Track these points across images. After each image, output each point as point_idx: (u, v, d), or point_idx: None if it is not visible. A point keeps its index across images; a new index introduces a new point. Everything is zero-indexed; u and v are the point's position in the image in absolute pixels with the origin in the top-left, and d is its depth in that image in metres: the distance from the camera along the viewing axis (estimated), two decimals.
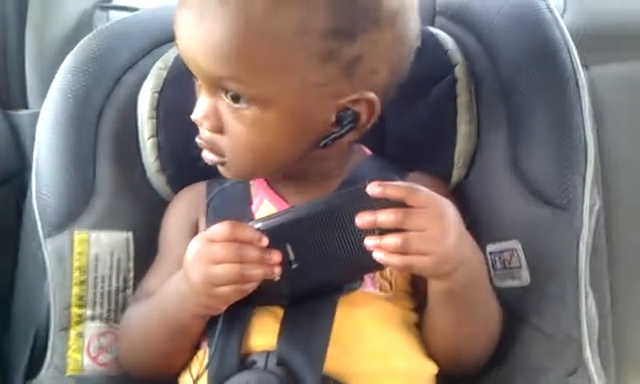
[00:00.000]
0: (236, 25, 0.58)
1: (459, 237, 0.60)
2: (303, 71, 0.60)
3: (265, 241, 0.59)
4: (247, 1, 0.58)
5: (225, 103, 0.62)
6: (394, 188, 0.58)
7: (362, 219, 0.58)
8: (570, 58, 0.71)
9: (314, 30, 0.59)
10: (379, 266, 0.60)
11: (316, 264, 0.61)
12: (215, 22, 0.58)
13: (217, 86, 0.62)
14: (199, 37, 0.60)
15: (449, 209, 0.60)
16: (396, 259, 0.58)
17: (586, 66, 0.72)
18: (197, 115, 0.64)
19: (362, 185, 0.59)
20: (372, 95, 0.64)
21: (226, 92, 0.62)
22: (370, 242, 0.58)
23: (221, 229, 0.60)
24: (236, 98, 0.61)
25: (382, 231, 0.58)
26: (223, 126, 0.63)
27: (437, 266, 0.59)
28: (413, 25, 0.66)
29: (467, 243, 0.62)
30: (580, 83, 0.71)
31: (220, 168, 0.67)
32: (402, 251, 0.57)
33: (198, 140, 0.66)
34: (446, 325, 0.65)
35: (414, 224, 0.57)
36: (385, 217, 0.57)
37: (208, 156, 0.66)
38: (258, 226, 0.60)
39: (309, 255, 0.60)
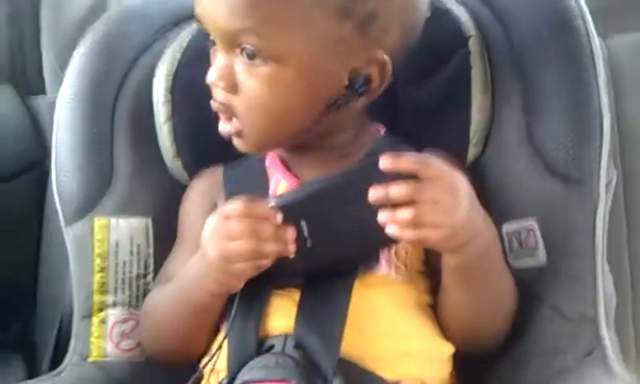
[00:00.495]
0: None
1: (471, 209, 0.60)
2: (319, 26, 0.61)
3: (279, 217, 0.60)
4: None
5: (240, 61, 0.63)
6: (405, 161, 0.58)
7: (374, 193, 0.58)
8: (585, 26, 0.70)
9: None
10: (394, 241, 0.61)
11: (330, 240, 0.61)
12: None
13: (233, 43, 0.63)
14: None
15: (461, 181, 0.60)
16: (409, 233, 0.58)
17: (604, 36, 0.70)
18: (211, 76, 0.65)
19: (374, 159, 0.59)
20: (384, 56, 0.64)
21: (242, 49, 0.62)
22: (382, 216, 0.58)
23: (236, 206, 0.61)
24: (251, 55, 0.62)
25: (395, 205, 0.58)
26: (238, 86, 0.64)
27: (450, 238, 0.59)
28: None
29: (479, 216, 0.62)
30: (595, 53, 0.69)
31: (235, 140, 0.68)
32: (414, 224, 0.57)
33: (212, 103, 0.67)
34: (460, 301, 0.65)
35: (426, 196, 0.57)
36: (396, 190, 0.57)
37: (224, 127, 0.67)
38: (273, 202, 0.61)
39: (323, 231, 0.61)
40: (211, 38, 0.66)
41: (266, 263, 0.61)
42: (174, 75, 0.80)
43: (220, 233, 0.61)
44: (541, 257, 0.69)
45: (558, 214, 0.69)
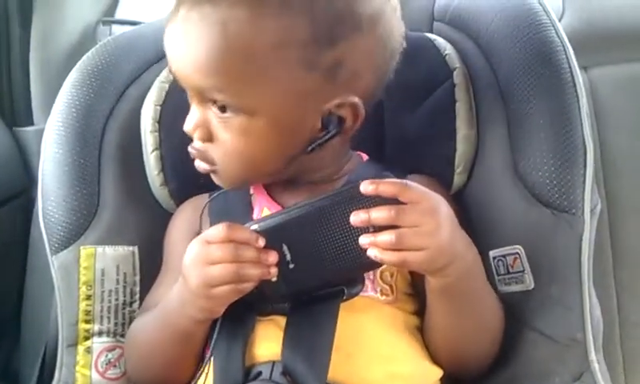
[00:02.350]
0: (215, 40, 0.61)
1: (452, 231, 0.60)
2: (285, 80, 0.62)
3: (261, 241, 0.60)
4: (226, 16, 0.60)
5: (213, 113, 0.65)
6: (386, 185, 0.59)
7: (356, 217, 0.59)
8: (568, 60, 0.71)
9: (293, 41, 0.61)
10: (376, 264, 0.61)
11: (313, 264, 0.61)
12: (197, 38, 0.62)
13: (204, 98, 0.64)
14: (184, 51, 0.63)
15: (441, 204, 0.61)
16: (390, 256, 0.58)
17: (585, 69, 0.72)
18: (187, 126, 0.67)
19: (356, 183, 0.59)
20: (355, 99, 0.65)
21: (214, 102, 0.64)
22: (364, 239, 0.59)
23: (217, 230, 0.61)
24: (223, 108, 0.64)
25: (377, 229, 0.59)
26: (213, 136, 0.65)
27: (431, 260, 0.59)
28: (395, 28, 0.67)
29: (460, 238, 0.63)
30: (578, 85, 0.71)
31: (213, 176, 0.69)
32: (396, 247, 0.58)
33: (190, 149, 0.68)
34: (445, 323, 0.65)
35: (407, 220, 0.58)
36: (378, 214, 0.58)
37: (200, 165, 0.68)
38: (254, 227, 0.61)
39: (305, 255, 0.61)
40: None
41: (248, 287, 0.61)
42: (162, 105, 0.81)
43: (201, 258, 0.61)
44: (528, 282, 0.70)
45: (544, 240, 0.70)
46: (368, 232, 0.59)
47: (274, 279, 0.61)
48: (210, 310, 0.63)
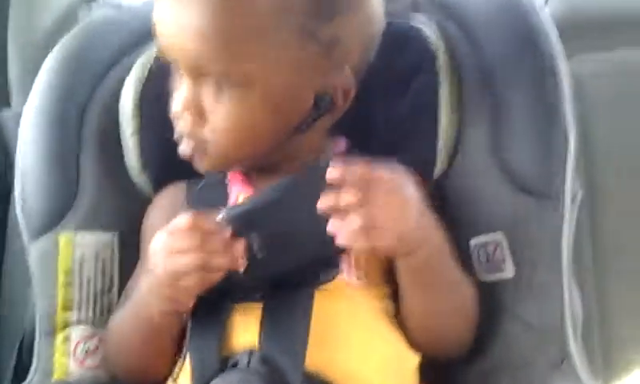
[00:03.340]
0: (215, 5, 0.60)
1: (420, 213, 0.61)
2: (284, 49, 0.62)
3: (227, 231, 0.60)
4: None
5: (207, 90, 0.63)
6: (352, 169, 0.58)
7: (323, 201, 0.58)
8: (551, 46, 0.71)
9: (294, 7, 0.61)
10: (344, 250, 0.60)
11: (282, 250, 0.61)
12: (195, 6, 0.60)
13: (199, 72, 0.63)
14: (180, 22, 0.62)
15: (409, 185, 0.60)
16: (358, 241, 0.58)
17: (569, 55, 0.72)
18: (177, 107, 0.65)
19: (319, 164, 0.59)
20: (348, 76, 0.66)
21: (208, 78, 0.63)
22: (332, 225, 0.58)
23: (182, 220, 0.61)
24: (218, 82, 0.62)
25: (343, 214, 0.58)
26: (204, 114, 0.64)
27: (400, 242, 0.59)
28: (378, 6, 0.68)
29: (428, 220, 0.63)
30: (561, 71, 0.71)
31: (197, 160, 0.67)
32: (364, 230, 0.57)
33: (176, 132, 0.66)
34: (417, 306, 0.65)
35: (375, 201, 0.58)
36: (345, 198, 0.58)
37: (185, 149, 0.67)
38: (221, 215, 0.61)
39: (274, 242, 0.60)
40: (174, 66, 0.65)
41: (216, 277, 0.60)
42: (141, 90, 0.79)
43: (167, 248, 0.61)
44: (508, 269, 0.70)
45: (525, 227, 0.70)
46: (335, 217, 0.58)
47: (242, 268, 0.60)
48: (177, 300, 0.62)
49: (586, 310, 0.70)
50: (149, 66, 0.80)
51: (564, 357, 0.67)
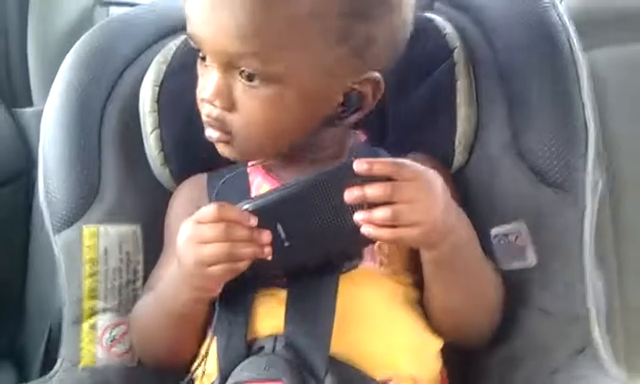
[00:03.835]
0: (254, 3, 0.60)
1: (446, 206, 0.61)
2: (318, 50, 0.62)
3: (253, 220, 0.60)
4: None
5: (238, 81, 0.63)
6: (379, 164, 0.59)
7: (350, 194, 0.59)
8: (569, 40, 0.71)
9: (332, 10, 0.61)
10: (371, 240, 0.61)
11: (308, 241, 0.61)
12: (235, 2, 0.60)
13: (231, 65, 0.63)
14: (216, 17, 0.61)
15: (436, 179, 0.61)
16: (385, 232, 0.59)
17: (586, 49, 0.73)
18: (206, 93, 0.64)
19: (350, 160, 0.59)
20: (378, 75, 0.66)
21: (241, 71, 0.62)
22: (358, 216, 0.59)
23: (208, 210, 0.61)
24: (251, 77, 0.62)
25: (370, 206, 0.59)
26: (234, 104, 0.64)
27: (426, 236, 0.60)
28: (410, 10, 0.68)
29: (454, 212, 0.63)
30: (578, 64, 0.71)
31: (222, 147, 0.67)
32: (391, 224, 0.58)
33: (204, 118, 0.66)
34: (441, 295, 0.66)
35: (402, 196, 0.58)
36: (373, 190, 0.58)
37: (212, 133, 0.67)
38: (246, 206, 0.61)
39: (300, 233, 0.61)
40: (201, 53, 0.66)
41: (243, 266, 0.61)
42: (160, 85, 0.80)
43: (194, 238, 0.61)
44: (530, 259, 0.70)
45: (547, 218, 0.70)
46: (362, 209, 0.59)
47: (269, 258, 0.61)
48: (204, 288, 0.63)
49: (608, 299, 0.70)
50: (166, 62, 0.81)
51: (587, 344, 0.67)
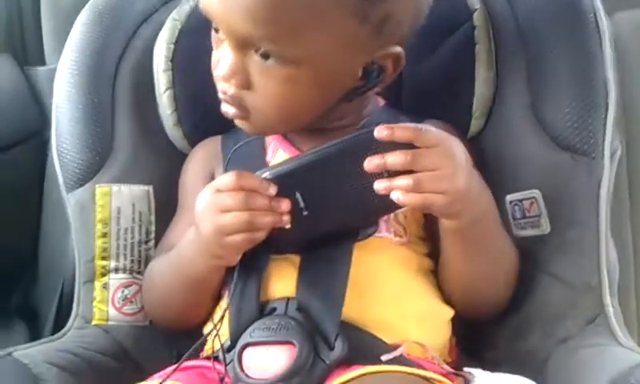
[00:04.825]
0: None
1: (469, 175, 0.60)
2: (338, 32, 0.60)
3: (272, 189, 0.60)
4: None
5: (254, 60, 0.61)
6: (401, 129, 0.58)
7: (371, 162, 0.58)
8: (593, 5, 0.70)
9: None
10: (390, 209, 0.61)
11: (327, 210, 0.61)
12: None
13: (247, 45, 0.61)
14: None
15: (458, 147, 0.60)
16: (413, 198, 0.58)
17: (609, 12, 0.71)
18: (222, 71, 0.63)
19: (370, 128, 0.58)
20: (399, 49, 0.64)
21: (257, 49, 0.61)
22: (379, 184, 0.58)
23: (228, 178, 0.61)
24: (266, 56, 0.61)
25: (391, 174, 0.58)
26: (251, 83, 0.62)
27: (450, 204, 0.59)
28: None
29: (476, 180, 0.62)
30: (601, 27, 0.69)
31: (240, 122, 0.67)
32: (414, 191, 0.57)
33: (220, 95, 0.65)
34: (458, 265, 0.65)
35: (424, 164, 0.57)
36: (394, 158, 0.57)
37: (228, 109, 0.65)
38: (266, 174, 0.60)
39: (319, 202, 0.60)
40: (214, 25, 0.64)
41: (262, 235, 0.61)
42: (175, 43, 0.79)
43: (213, 206, 0.61)
44: (544, 226, 0.70)
45: (563, 184, 0.69)
46: (382, 177, 0.58)
47: (288, 226, 0.60)
48: (222, 257, 0.63)
49: (623, 267, 0.69)
50: (180, 20, 0.80)
51: (599, 312, 0.67)
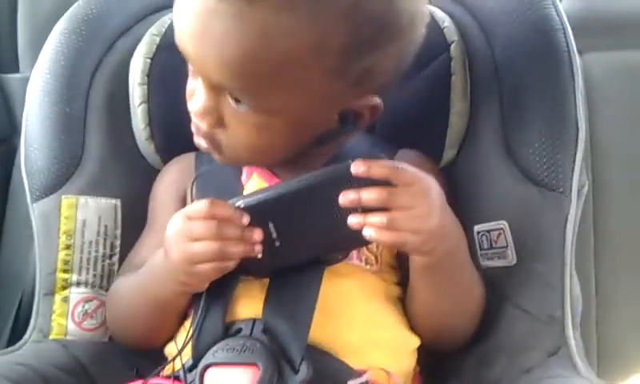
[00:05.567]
0: (250, 43, 0.55)
1: (442, 214, 0.60)
2: (312, 87, 0.59)
3: (245, 219, 0.59)
4: (266, 19, 0.54)
5: (227, 102, 0.60)
6: (378, 167, 0.57)
7: (346, 197, 0.57)
8: (566, 39, 0.71)
9: (330, 49, 0.57)
10: (362, 244, 0.60)
11: (299, 241, 0.60)
12: (227, 34, 0.55)
13: (220, 89, 0.60)
14: (207, 41, 0.56)
15: (433, 186, 0.60)
16: (386, 236, 0.58)
17: (580, 52, 0.72)
18: (194, 108, 0.62)
19: (347, 163, 0.58)
20: (377, 100, 0.64)
21: (230, 93, 0.60)
22: (353, 219, 0.58)
23: (200, 206, 0.60)
24: (238, 101, 0.60)
25: (366, 209, 0.58)
26: (224, 122, 0.62)
27: (422, 243, 0.59)
28: (423, 24, 0.64)
29: (449, 218, 0.63)
30: (575, 65, 0.71)
31: (213, 153, 0.66)
32: (386, 229, 0.57)
33: (193, 128, 0.65)
34: (426, 298, 0.65)
35: (399, 203, 0.57)
36: (369, 195, 0.57)
37: (201, 143, 0.65)
38: (239, 203, 0.60)
39: (292, 233, 0.60)
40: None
41: (232, 264, 0.60)
42: (152, 58, 0.79)
43: (183, 234, 0.60)
44: (510, 257, 0.70)
45: (531, 217, 0.70)
46: (357, 212, 0.58)
47: (259, 256, 0.60)
48: (191, 284, 0.62)
49: (585, 304, 0.70)
50: (160, 35, 0.80)
51: (561, 344, 0.67)
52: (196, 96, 0.62)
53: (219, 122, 0.62)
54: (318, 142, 0.65)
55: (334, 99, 0.61)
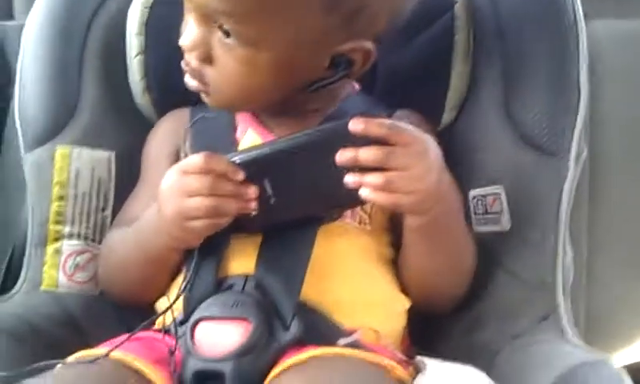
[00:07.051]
0: None
1: (440, 174, 0.60)
2: (302, 19, 0.58)
3: (240, 175, 0.58)
4: None
5: (216, 36, 0.60)
6: (376, 125, 0.57)
7: (343, 156, 0.57)
8: (573, 4, 0.70)
9: None
10: (357, 203, 0.60)
11: (294, 199, 0.60)
12: None
13: (209, 19, 0.60)
14: None
15: (431, 146, 0.60)
16: (382, 196, 0.57)
17: (586, 18, 0.71)
18: (185, 42, 0.62)
19: (345, 121, 0.57)
20: (369, 45, 0.63)
21: (219, 25, 0.59)
22: (350, 178, 0.57)
23: (195, 160, 0.59)
24: (227, 33, 0.59)
25: (363, 168, 0.57)
26: (212, 58, 0.62)
27: (418, 204, 0.59)
28: None
29: (446, 179, 0.62)
30: (580, 31, 0.70)
31: (202, 95, 0.66)
32: (384, 190, 0.57)
33: (183, 65, 0.64)
34: (419, 259, 0.66)
35: (396, 163, 0.57)
36: (366, 154, 0.57)
37: (190, 82, 0.65)
38: (235, 159, 0.59)
39: (287, 190, 0.59)
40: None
41: (226, 221, 0.60)
42: (150, 8, 0.78)
43: (178, 188, 0.60)
44: (504, 223, 0.70)
45: (527, 182, 0.69)
46: (354, 171, 0.57)
47: (254, 213, 0.59)
48: (184, 240, 0.62)
49: (576, 271, 0.70)
50: None
51: (551, 310, 0.67)
52: (187, 31, 0.62)
53: (208, 57, 0.61)
54: (309, 88, 0.64)
55: (325, 39, 0.60)
